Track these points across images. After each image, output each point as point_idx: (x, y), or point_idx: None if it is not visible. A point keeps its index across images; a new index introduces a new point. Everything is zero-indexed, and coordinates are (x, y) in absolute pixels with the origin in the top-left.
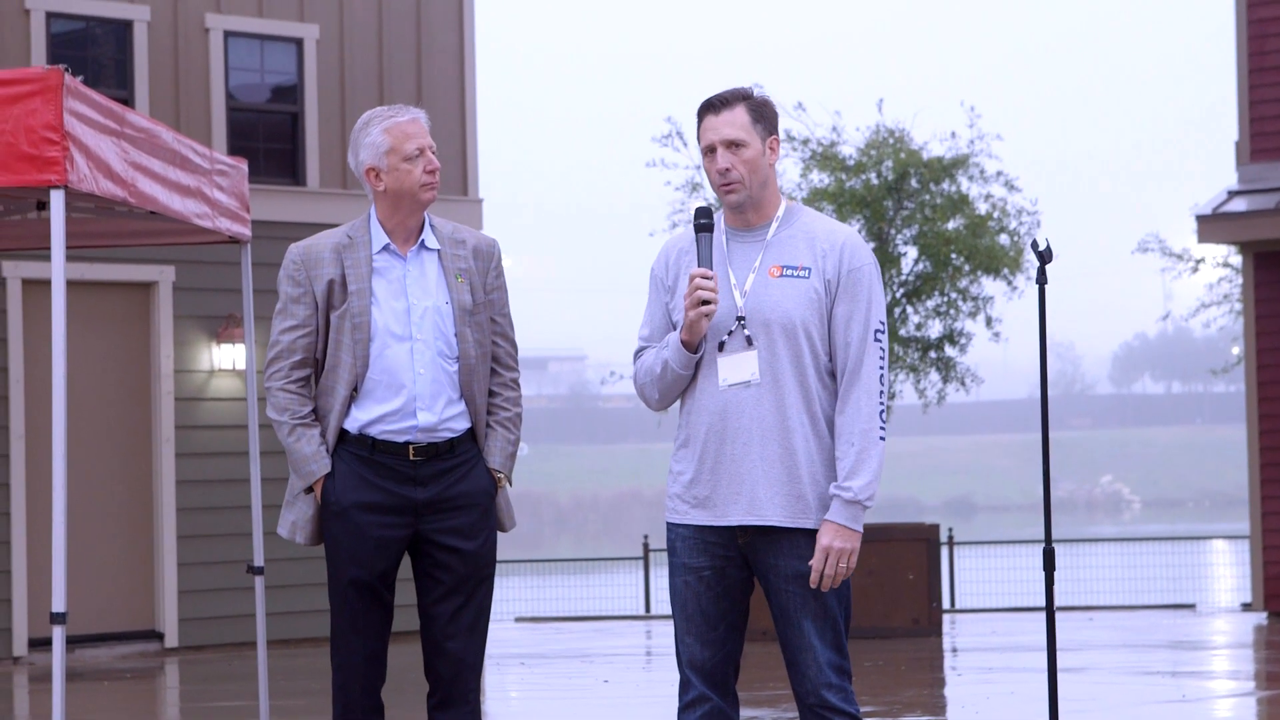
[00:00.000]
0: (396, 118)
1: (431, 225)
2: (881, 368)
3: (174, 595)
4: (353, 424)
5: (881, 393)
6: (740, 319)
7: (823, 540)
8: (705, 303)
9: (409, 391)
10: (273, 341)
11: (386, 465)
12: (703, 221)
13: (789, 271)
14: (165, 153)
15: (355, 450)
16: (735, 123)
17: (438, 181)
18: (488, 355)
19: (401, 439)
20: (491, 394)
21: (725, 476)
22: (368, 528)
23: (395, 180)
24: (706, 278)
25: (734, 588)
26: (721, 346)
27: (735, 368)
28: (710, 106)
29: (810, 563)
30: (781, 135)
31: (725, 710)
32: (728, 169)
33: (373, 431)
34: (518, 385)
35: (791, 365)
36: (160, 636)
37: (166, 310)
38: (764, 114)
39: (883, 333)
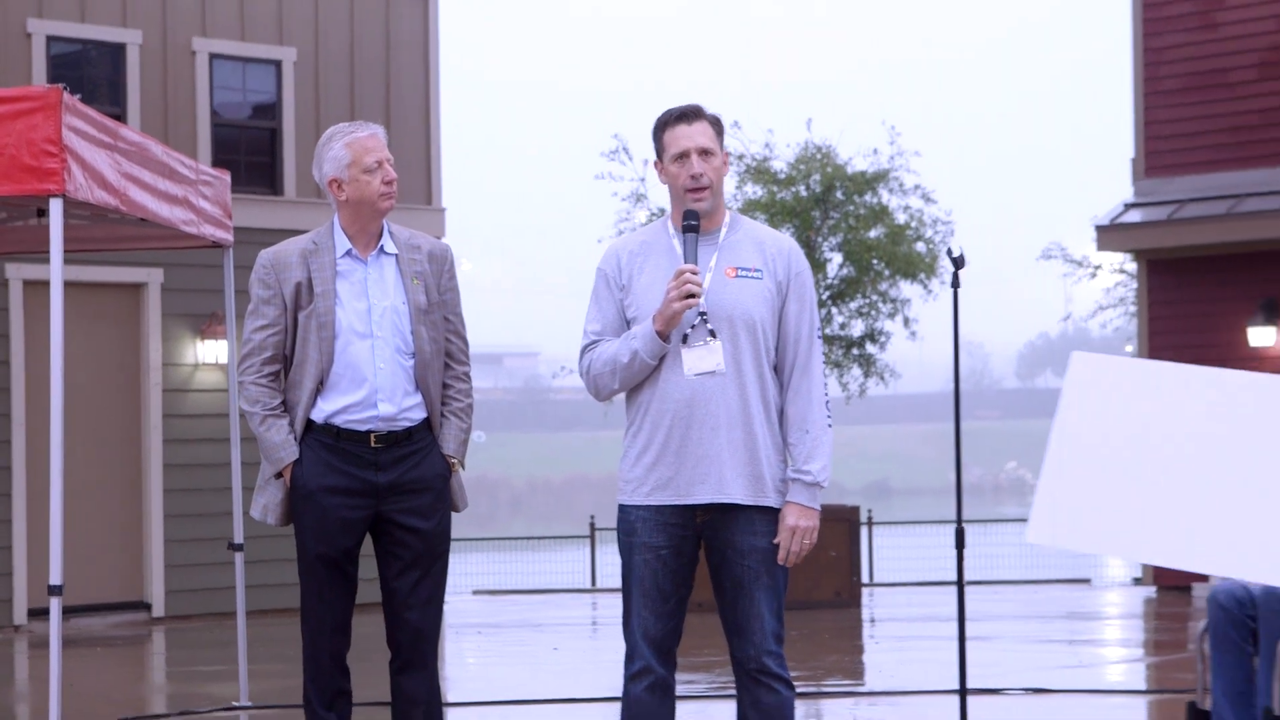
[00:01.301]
0: (357, 133)
1: (390, 231)
2: (821, 362)
3: (161, 569)
4: (319, 414)
5: (825, 385)
6: (702, 314)
7: (789, 521)
8: (691, 295)
9: (370, 384)
10: (245, 339)
11: (350, 452)
12: (692, 224)
13: (744, 272)
14: (154, 164)
15: (321, 438)
16: (706, 133)
17: (395, 191)
18: (441, 351)
19: (364, 428)
20: (445, 386)
21: (691, 459)
22: (333, 509)
23: (356, 190)
24: (694, 273)
25: (686, 564)
26: (685, 339)
27: (701, 359)
28: (684, 117)
29: (775, 540)
30: None
31: (667, 679)
32: (702, 174)
33: (337, 421)
34: (469, 378)
35: (751, 358)
36: (148, 607)
37: (155, 309)
38: (720, 130)
39: (820, 331)
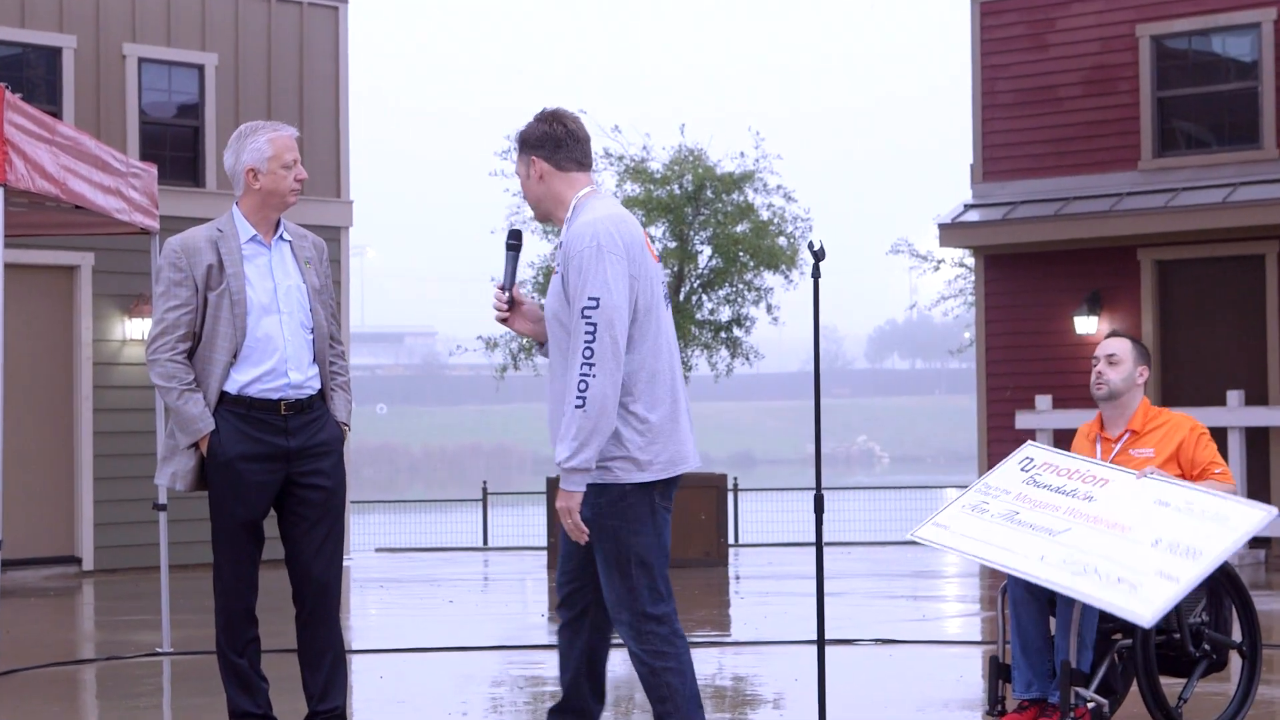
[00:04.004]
0: (280, 132)
1: (281, 221)
2: (588, 340)
3: (91, 526)
4: (232, 385)
5: (584, 364)
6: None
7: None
8: (503, 320)
9: (281, 354)
10: (158, 319)
11: (262, 420)
12: (512, 243)
13: (557, 268)
14: (89, 158)
15: (234, 409)
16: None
17: (301, 189)
18: (328, 328)
19: (275, 396)
20: (330, 362)
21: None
22: (250, 474)
23: (271, 182)
24: (499, 296)
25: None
26: None
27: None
28: None
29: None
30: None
31: (567, 623)
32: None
33: (251, 391)
34: (345, 355)
35: (559, 350)
36: (79, 561)
37: (87, 289)
38: (523, 143)
39: (593, 308)
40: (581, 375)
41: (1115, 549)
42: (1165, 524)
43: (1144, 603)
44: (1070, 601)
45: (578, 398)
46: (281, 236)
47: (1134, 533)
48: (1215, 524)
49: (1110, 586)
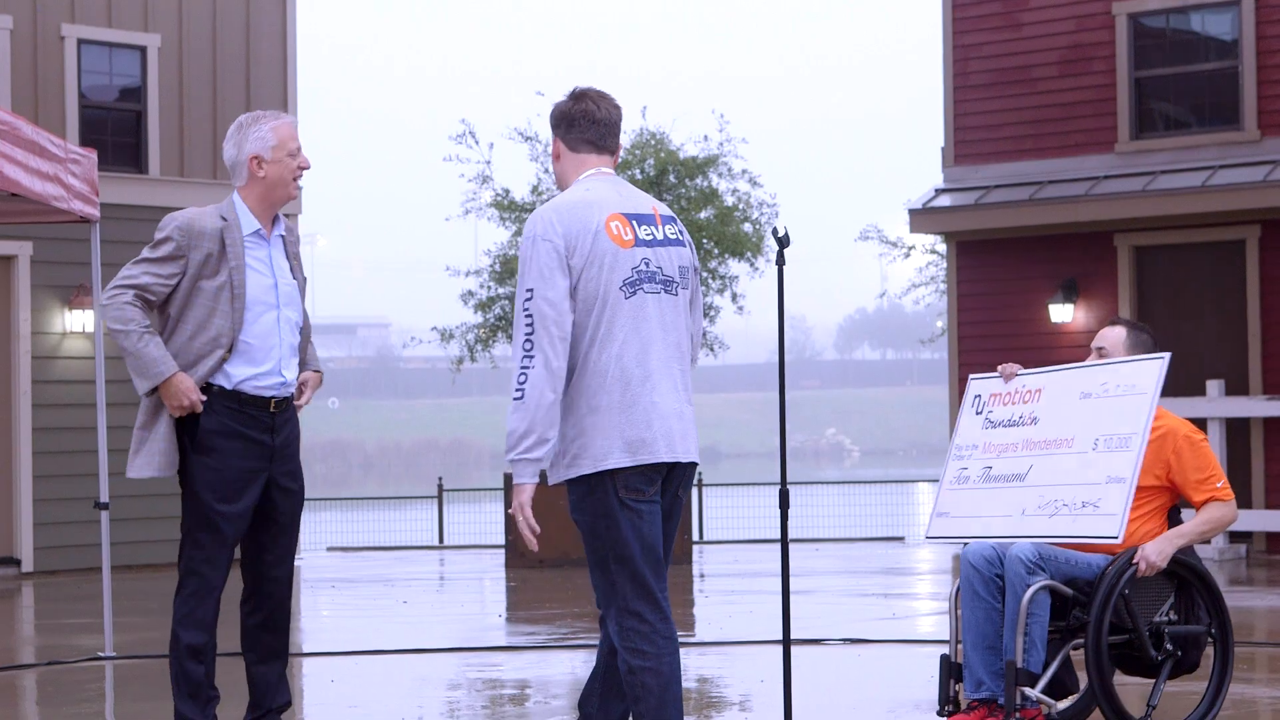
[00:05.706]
0: (281, 119)
1: (279, 215)
2: (527, 333)
3: (30, 527)
4: (228, 381)
5: (524, 356)
6: None
7: None
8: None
9: (277, 353)
10: (128, 274)
11: (252, 416)
12: None
13: None
14: (25, 143)
15: (226, 404)
16: None
17: (302, 179)
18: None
19: (269, 394)
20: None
21: None
22: (244, 467)
23: (276, 171)
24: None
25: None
26: None
27: None
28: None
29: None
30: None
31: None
32: None
33: (246, 387)
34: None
35: None
36: (18, 563)
37: (25, 280)
38: (550, 120)
39: (529, 299)
40: (522, 368)
41: (1071, 471)
42: (1096, 419)
43: (1107, 519)
44: (1016, 599)
45: (516, 390)
46: (279, 231)
47: (1078, 442)
48: (1130, 397)
49: (1079, 517)
